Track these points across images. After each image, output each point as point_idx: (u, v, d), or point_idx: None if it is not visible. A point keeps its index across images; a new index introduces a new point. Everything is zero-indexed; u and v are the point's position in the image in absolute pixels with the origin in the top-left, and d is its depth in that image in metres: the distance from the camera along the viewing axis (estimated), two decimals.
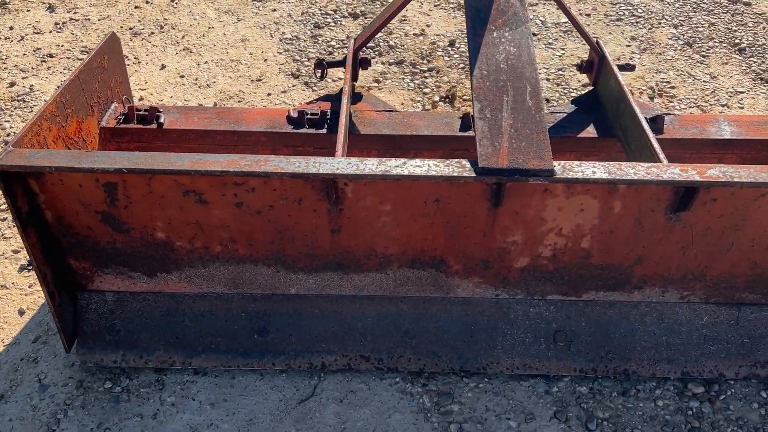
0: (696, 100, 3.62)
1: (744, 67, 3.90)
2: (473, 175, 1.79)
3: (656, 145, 2.08)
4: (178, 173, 1.79)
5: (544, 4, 4.55)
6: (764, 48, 4.06)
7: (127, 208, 1.99)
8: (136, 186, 1.92)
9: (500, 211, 1.96)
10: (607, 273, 2.13)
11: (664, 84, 3.73)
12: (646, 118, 2.47)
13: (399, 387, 2.21)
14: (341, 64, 2.71)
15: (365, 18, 4.39)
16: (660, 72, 3.84)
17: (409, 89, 3.70)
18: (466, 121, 2.50)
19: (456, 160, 1.83)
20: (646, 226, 1.98)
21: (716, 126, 2.48)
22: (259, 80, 3.76)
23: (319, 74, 2.75)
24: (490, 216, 1.97)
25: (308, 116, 2.50)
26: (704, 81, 3.77)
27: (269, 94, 3.64)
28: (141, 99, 3.61)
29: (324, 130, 2.49)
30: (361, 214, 1.98)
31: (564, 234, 2.02)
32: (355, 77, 2.72)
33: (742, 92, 3.68)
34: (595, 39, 2.72)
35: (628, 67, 2.72)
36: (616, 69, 2.51)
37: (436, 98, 3.63)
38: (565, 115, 2.59)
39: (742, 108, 3.56)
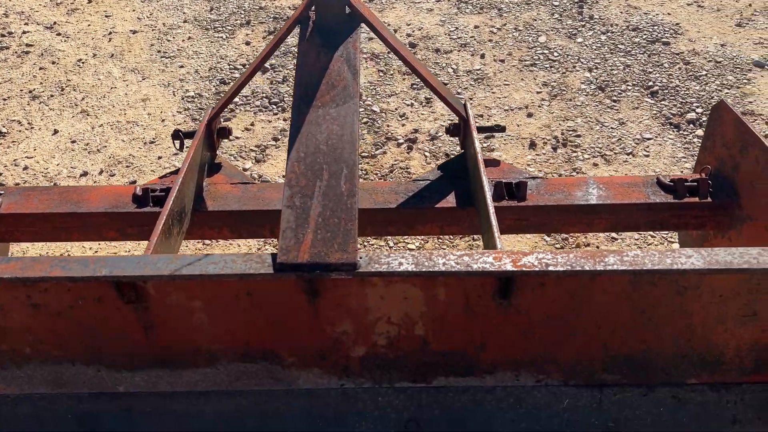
0: (600, 148, 3.51)
1: (654, 112, 3.81)
2: (271, 271, 1.65)
3: (494, 224, 1.96)
4: None
5: (459, 50, 4.47)
6: (677, 90, 3.98)
7: None
8: None
9: (320, 303, 1.82)
10: (451, 359, 1.98)
11: (570, 132, 3.63)
12: (508, 184, 2.36)
13: None
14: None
15: (275, 72, 4.29)
16: (567, 120, 3.75)
17: None
18: None
19: (257, 254, 1.70)
20: (478, 312, 1.84)
21: (583, 190, 2.36)
22: (153, 143, 3.64)
23: (177, 145, 2.62)
24: (311, 308, 1.83)
25: (153, 194, 2.37)
26: (612, 128, 3.67)
27: (160, 158, 3.51)
28: (25, 168, 3.48)
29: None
30: (170, 311, 1.83)
31: (394, 322, 1.88)
32: (213, 148, 2.60)
33: (649, 139, 3.58)
34: (462, 101, 2.61)
35: (497, 129, 2.60)
36: (475, 133, 2.39)
37: None
38: (428, 182, 2.46)
39: (648, 156, 3.46)
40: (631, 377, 2.04)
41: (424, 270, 1.63)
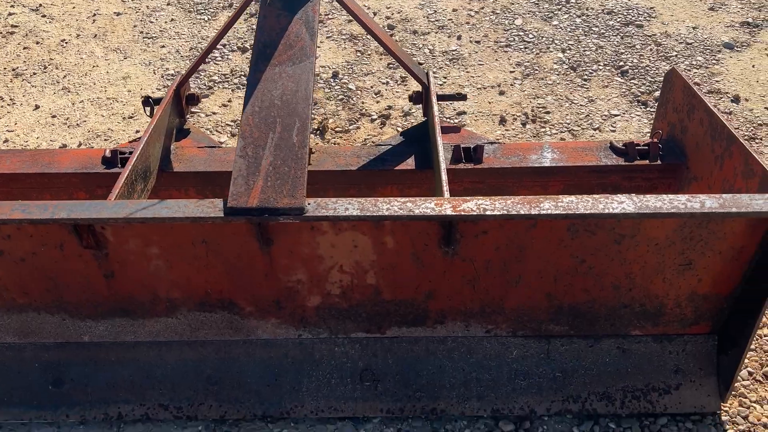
0: (569, 124, 3.59)
1: (623, 90, 3.88)
2: (221, 215, 1.73)
3: (444, 178, 2.03)
4: None
5: (436, 32, 4.54)
6: (647, 70, 4.05)
7: None
8: None
9: (274, 251, 1.89)
10: (402, 309, 2.06)
11: (540, 109, 3.70)
12: (466, 148, 2.44)
13: None
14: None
15: None
16: (538, 97, 3.82)
17: None
18: None
19: (209, 200, 1.77)
20: (425, 261, 1.92)
21: (538, 153, 2.44)
22: (131, 117, 3.71)
23: (148, 111, 2.69)
24: (265, 255, 1.91)
25: (122, 155, 2.44)
26: (581, 105, 3.75)
27: (137, 132, 3.58)
28: (6, 141, 3.54)
29: None
30: (129, 258, 1.90)
31: (347, 271, 1.95)
32: (181, 114, 2.67)
33: (616, 115, 3.66)
34: (425, 70, 2.69)
35: (459, 97, 2.68)
36: (434, 99, 2.47)
37: None
38: (389, 147, 2.54)
39: (614, 131, 3.54)
40: (577, 328, 2.12)
41: (368, 214, 1.71)
